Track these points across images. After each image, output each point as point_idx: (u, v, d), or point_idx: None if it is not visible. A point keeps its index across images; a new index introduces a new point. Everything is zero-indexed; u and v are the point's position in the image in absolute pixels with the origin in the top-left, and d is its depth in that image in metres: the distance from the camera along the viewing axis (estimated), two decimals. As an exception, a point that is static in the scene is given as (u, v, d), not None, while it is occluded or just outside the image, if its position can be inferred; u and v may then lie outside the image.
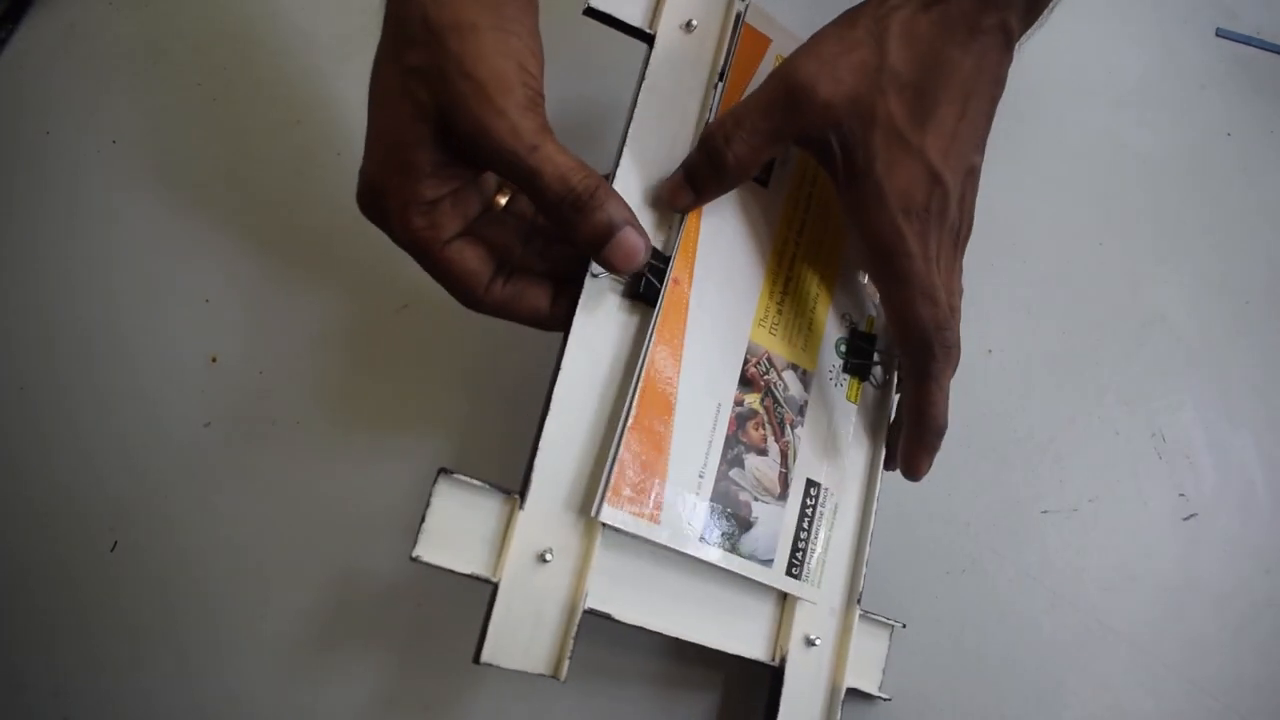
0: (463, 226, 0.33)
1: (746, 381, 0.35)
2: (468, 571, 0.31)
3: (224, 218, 0.48)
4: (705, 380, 0.34)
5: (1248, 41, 0.48)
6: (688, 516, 0.33)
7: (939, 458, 0.42)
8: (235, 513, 0.43)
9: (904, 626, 0.37)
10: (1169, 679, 0.40)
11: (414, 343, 0.45)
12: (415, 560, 0.30)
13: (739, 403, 0.35)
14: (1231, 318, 0.44)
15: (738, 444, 0.35)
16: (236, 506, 0.43)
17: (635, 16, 0.35)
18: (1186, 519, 0.42)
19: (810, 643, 0.35)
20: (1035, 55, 0.48)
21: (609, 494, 0.31)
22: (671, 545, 0.32)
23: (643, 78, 0.35)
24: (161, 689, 0.41)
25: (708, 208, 0.36)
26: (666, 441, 0.33)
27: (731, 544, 0.34)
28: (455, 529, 0.31)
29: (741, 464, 0.35)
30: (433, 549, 0.30)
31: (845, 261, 0.39)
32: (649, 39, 0.36)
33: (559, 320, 0.34)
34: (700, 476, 0.33)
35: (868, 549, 0.37)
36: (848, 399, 0.37)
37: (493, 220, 0.35)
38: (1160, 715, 0.39)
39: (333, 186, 0.48)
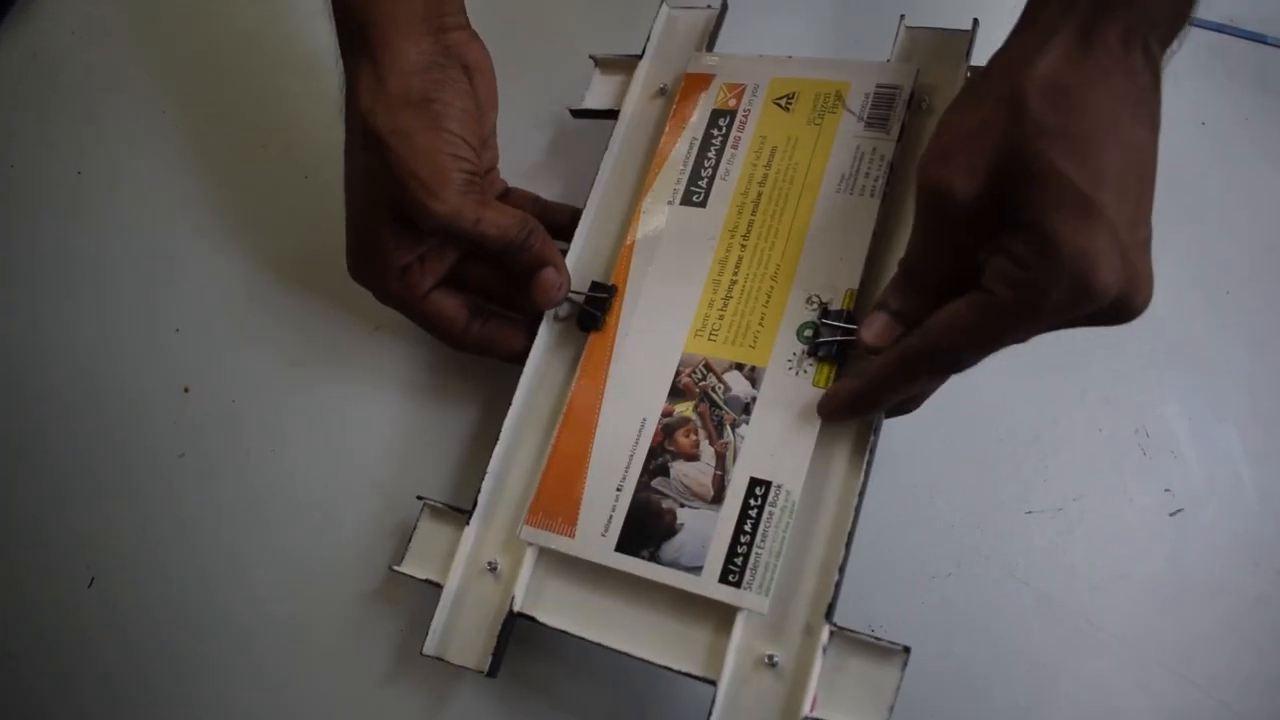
0: (436, 281, 0.39)
1: (679, 392, 0.36)
2: (423, 577, 0.37)
3: (192, 245, 0.48)
4: (631, 398, 0.36)
5: (1220, 29, 0.48)
6: (600, 529, 0.34)
7: (922, 457, 0.42)
8: (212, 543, 0.43)
9: (907, 651, 0.32)
10: (1162, 676, 0.39)
11: (389, 364, 0.45)
12: (393, 570, 0.38)
13: (668, 414, 0.35)
14: (1213, 309, 0.44)
15: (663, 453, 0.35)
16: (213, 537, 0.43)
17: (607, 103, 0.44)
18: (1173, 514, 0.41)
19: (769, 663, 0.32)
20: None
21: (528, 514, 0.36)
22: (583, 557, 0.34)
23: (609, 142, 0.43)
24: (144, 724, 0.41)
25: (639, 239, 0.39)
26: (585, 461, 0.35)
27: (651, 553, 0.33)
28: (427, 545, 0.38)
29: (667, 472, 0.34)
30: (408, 563, 0.38)
31: (817, 243, 0.37)
32: (615, 114, 0.43)
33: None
34: (618, 489, 0.35)
35: (842, 553, 0.32)
36: (814, 385, 0.35)
37: (475, 263, 0.40)
38: (1154, 713, 0.39)
39: (302, 209, 0.48)
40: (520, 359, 0.39)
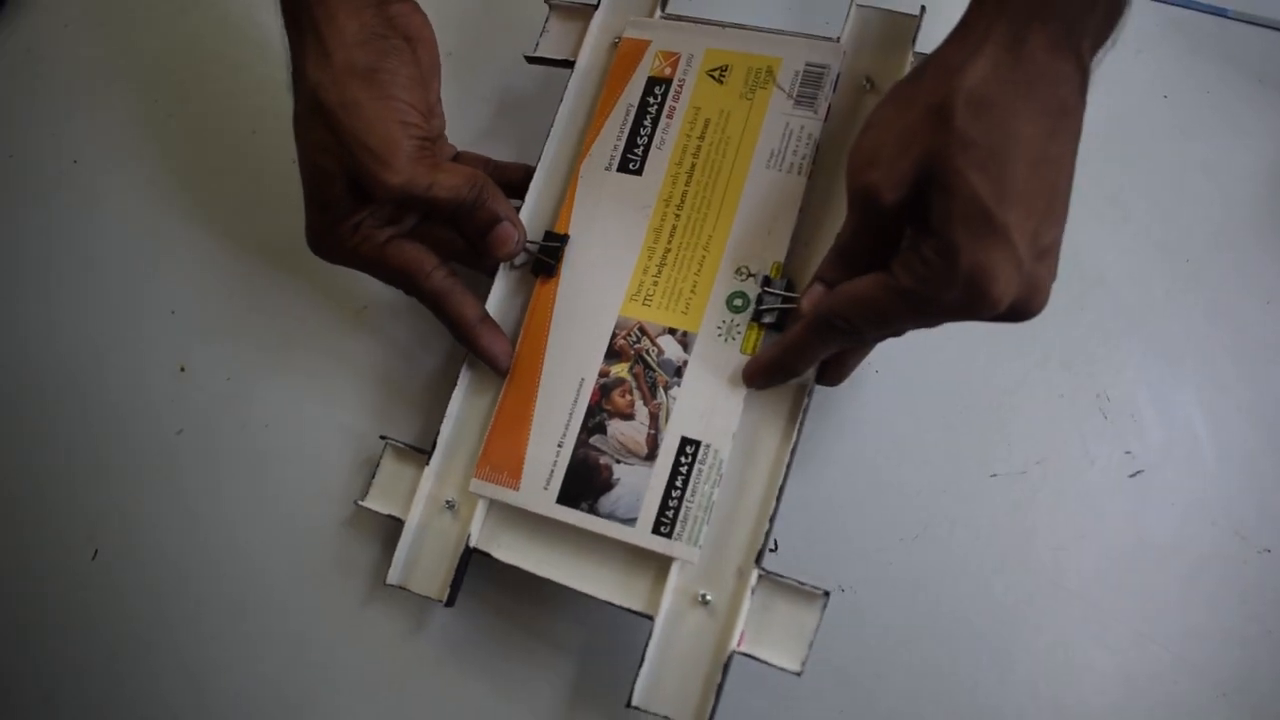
0: (397, 232, 0.39)
1: (615, 353, 0.38)
2: (385, 512, 0.40)
3: (185, 229, 0.49)
4: (569, 357, 0.38)
5: (1184, 4, 0.49)
6: (543, 482, 0.36)
7: (887, 424, 0.43)
8: (211, 516, 0.44)
9: (826, 595, 0.34)
10: (1121, 632, 0.41)
11: (376, 340, 0.46)
12: (358, 504, 0.40)
13: (604, 374, 0.37)
14: (1172, 277, 0.45)
15: (601, 412, 0.37)
16: (212, 509, 0.44)
17: (563, 52, 0.44)
18: (1133, 476, 0.43)
19: (701, 600, 0.35)
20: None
21: (477, 468, 0.38)
22: (527, 508, 0.36)
23: (564, 93, 0.43)
24: (148, 689, 0.43)
25: (577, 201, 0.40)
26: (529, 416, 0.38)
27: (590, 505, 0.36)
28: (390, 483, 0.40)
29: (604, 430, 0.37)
30: (372, 498, 0.40)
31: (747, 216, 0.38)
32: (571, 64, 0.43)
33: (476, 341, 0.39)
34: (559, 446, 0.37)
35: (773, 505, 0.35)
36: (742, 352, 0.37)
37: (434, 226, 0.40)
38: (1113, 667, 0.40)
39: (291, 193, 0.49)
40: (465, 332, 0.39)
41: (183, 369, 0.47)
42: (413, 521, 0.39)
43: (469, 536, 0.38)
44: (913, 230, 0.31)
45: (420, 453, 0.40)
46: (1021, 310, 0.30)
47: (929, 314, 0.30)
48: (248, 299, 0.48)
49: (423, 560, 0.39)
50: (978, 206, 0.28)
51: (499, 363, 0.39)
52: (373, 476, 0.41)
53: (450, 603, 0.37)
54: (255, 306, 0.47)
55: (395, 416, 0.45)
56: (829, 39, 0.41)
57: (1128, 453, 0.43)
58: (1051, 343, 0.44)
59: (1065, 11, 0.28)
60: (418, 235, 0.40)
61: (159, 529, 0.44)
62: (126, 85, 0.53)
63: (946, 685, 0.40)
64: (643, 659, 0.34)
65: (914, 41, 0.40)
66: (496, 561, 0.37)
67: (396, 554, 0.39)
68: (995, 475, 0.43)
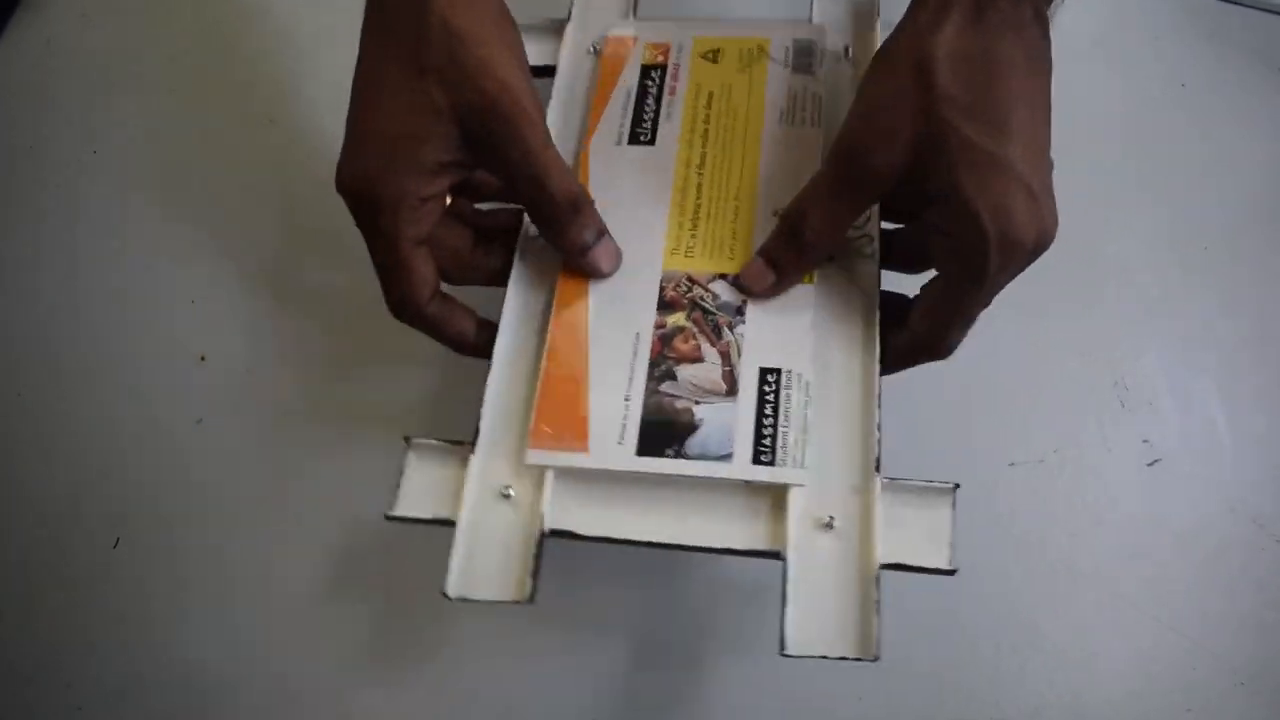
0: (427, 233, 0.35)
1: (667, 304, 0.37)
2: (429, 516, 0.34)
3: (204, 219, 0.49)
4: (619, 317, 0.37)
5: (1201, -9, 0.49)
6: (616, 438, 0.34)
7: (904, 413, 0.43)
8: (231, 504, 0.45)
9: (956, 487, 0.33)
10: (1138, 618, 0.41)
11: (395, 327, 0.46)
12: (388, 518, 0.34)
13: (660, 326, 0.36)
14: (1189, 265, 0.45)
15: (665, 360, 0.36)
16: (232, 498, 0.45)
17: (541, 59, 0.43)
18: (1151, 464, 0.43)
19: (827, 525, 0.33)
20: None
21: (531, 438, 0.35)
22: (604, 467, 0.34)
23: (551, 91, 0.41)
24: (168, 676, 0.43)
25: (591, 176, 0.39)
26: (583, 381, 0.35)
27: (676, 450, 0.34)
28: (423, 485, 0.35)
29: (674, 376, 0.35)
30: (403, 505, 0.35)
31: (771, 169, 0.39)
32: (552, 70, 0.42)
33: (479, 349, 0.37)
34: (626, 400, 0.35)
35: (877, 413, 0.34)
36: (804, 281, 0.36)
37: (444, 223, 0.36)
38: (1129, 653, 0.40)
39: (308, 182, 0.49)
40: (467, 347, 0.37)
41: (203, 359, 0.47)
42: (466, 517, 0.34)
43: (542, 518, 0.34)
44: (926, 219, 0.31)
45: (454, 444, 0.36)
46: (1040, 244, 0.30)
47: (983, 280, 0.30)
48: (268, 288, 0.48)
49: (483, 561, 0.34)
50: (979, 151, 0.29)
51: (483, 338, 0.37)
52: (399, 485, 0.35)
53: (533, 598, 0.33)
54: (275, 296, 0.48)
55: (416, 406, 0.45)
56: (804, 21, 0.42)
57: (1146, 441, 0.43)
58: (1070, 331, 0.44)
59: None
60: (433, 240, 0.36)
61: (178, 518, 0.45)
62: (145, 76, 0.53)
63: (964, 672, 0.40)
64: (785, 599, 0.32)
65: (878, 12, 0.41)
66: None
67: (452, 559, 0.33)
68: (1013, 464, 0.43)
